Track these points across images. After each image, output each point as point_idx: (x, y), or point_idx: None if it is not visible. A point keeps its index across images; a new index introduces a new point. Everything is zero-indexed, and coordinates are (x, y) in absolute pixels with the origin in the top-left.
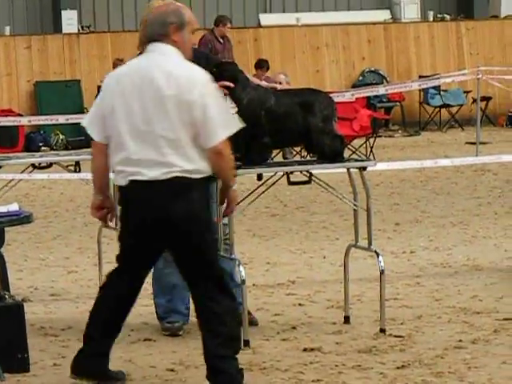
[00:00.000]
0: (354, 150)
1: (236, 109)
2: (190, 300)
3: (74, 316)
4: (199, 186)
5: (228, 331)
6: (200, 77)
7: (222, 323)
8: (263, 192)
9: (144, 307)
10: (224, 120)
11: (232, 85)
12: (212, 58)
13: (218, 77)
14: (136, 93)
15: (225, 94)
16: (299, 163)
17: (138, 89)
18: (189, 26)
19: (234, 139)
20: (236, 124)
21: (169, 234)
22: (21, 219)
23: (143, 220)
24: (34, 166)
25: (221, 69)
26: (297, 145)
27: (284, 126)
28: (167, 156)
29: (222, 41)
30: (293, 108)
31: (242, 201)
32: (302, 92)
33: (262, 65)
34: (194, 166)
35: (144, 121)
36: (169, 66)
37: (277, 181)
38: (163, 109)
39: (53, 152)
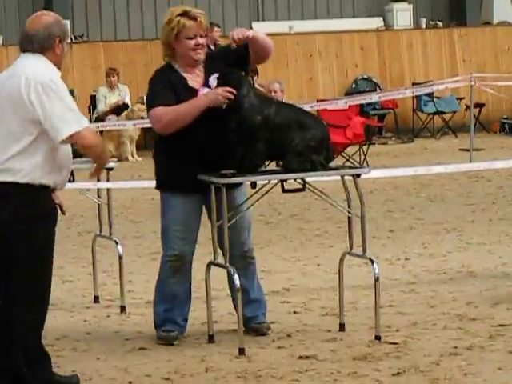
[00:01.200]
0: (347, 157)
1: (237, 114)
2: (189, 312)
3: (69, 325)
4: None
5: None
6: (42, 76)
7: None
8: (257, 200)
9: (139, 316)
10: (68, 117)
11: (235, 91)
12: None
13: (223, 82)
14: None
15: (229, 99)
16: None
17: None
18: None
19: (231, 145)
20: (82, 122)
21: None
22: None
23: None
24: None
25: (226, 75)
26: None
27: (277, 137)
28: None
29: (213, 48)
30: (289, 121)
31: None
32: (305, 113)
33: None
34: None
35: None
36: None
37: (271, 189)
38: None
39: None
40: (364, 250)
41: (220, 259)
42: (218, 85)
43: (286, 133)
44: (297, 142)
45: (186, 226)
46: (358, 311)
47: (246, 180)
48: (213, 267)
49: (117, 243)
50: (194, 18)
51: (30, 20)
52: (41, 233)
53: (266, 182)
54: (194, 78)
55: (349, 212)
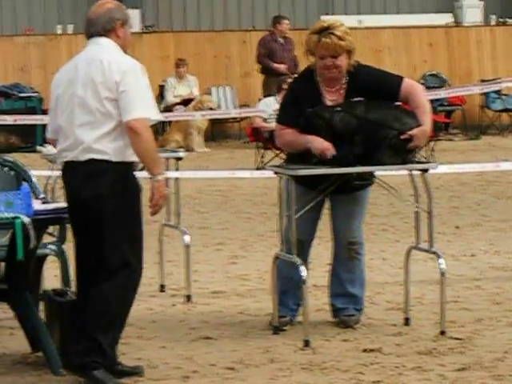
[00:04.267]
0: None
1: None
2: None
3: (135, 314)
4: (114, 169)
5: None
6: (127, 62)
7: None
8: (325, 191)
9: (204, 305)
10: (144, 103)
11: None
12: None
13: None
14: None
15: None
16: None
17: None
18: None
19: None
20: (156, 112)
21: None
22: None
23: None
24: None
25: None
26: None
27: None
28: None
29: (281, 41)
30: (384, 116)
31: None
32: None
33: None
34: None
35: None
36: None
37: (341, 181)
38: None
39: None
40: (430, 245)
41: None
42: (305, 123)
43: (381, 128)
44: (392, 136)
45: (306, 213)
46: (424, 306)
47: (314, 172)
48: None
49: (184, 233)
50: (328, 37)
51: (93, 7)
52: (135, 207)
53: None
54: (332, 94)
55: (416, 207)
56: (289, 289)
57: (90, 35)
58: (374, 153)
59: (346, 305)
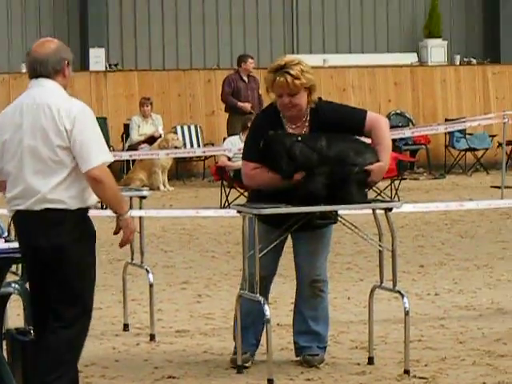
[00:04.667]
0: (378, 191)
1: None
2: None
3: (98, 352)
4: (71, 217)
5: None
6: (76, 107)
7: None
8: (288, 232)
9: (169, 344)
10: (99, 148)
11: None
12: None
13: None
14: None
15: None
16: (325, 203)
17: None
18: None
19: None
20: (110, 154)
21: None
22: None
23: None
24: None
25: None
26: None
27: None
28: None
29: (246, 80)
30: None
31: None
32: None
33: None
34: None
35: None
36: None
37: (304, 221)
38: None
39: None
40: (394, 284)
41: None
42: (264, 148)
43: (344, 165)
44: (357, 171)
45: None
46: (388, 345)
47: (278, 211)
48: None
49: (148, 271)
50: (283, 76)
51: (37, 46)
52: (92, 251)
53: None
54: (295, 130)
55: (380, 246)
56: (248, 324)
57: (35, 76)
58: (341, 189)
59: (309, 343)
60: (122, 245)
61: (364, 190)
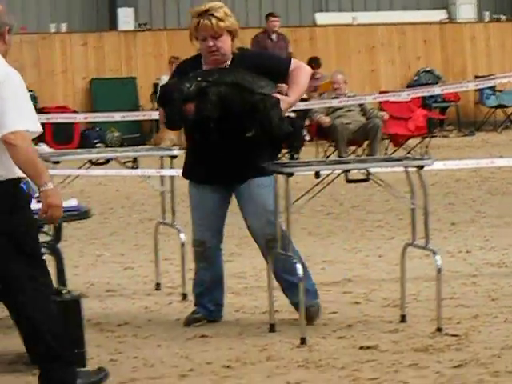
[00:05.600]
0: (409, 149)
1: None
2: (222, 298)
3: (130, 312)
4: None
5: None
6: (2, 73)
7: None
8: (320, 191)
9: None
10: (21, 114)
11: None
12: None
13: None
14: None
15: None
16: (357, 161)
17: None
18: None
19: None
20: (36, 125)
21: None
22: (80, 214)
23: None
24: (91, 162)
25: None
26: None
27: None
28: None
29: (275, 38)
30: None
31: (298, 199)
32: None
33: (313, 63)
34: None
35: None
36: None
37: (334, 179)
38: None
39: (109, 149)
40: (426, 242)
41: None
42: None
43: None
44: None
45: (204, 214)
46: (420, 303)
47: (311, 170)
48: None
49: (179, 231)
50: (208, 19)
51: None
52: (27, 224)
53: (330, 172)
54: None
55: (412, 203)
56: (203, 291)
57: None
58: (262, 120)
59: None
60: (49, 222)
61: (284, 117)
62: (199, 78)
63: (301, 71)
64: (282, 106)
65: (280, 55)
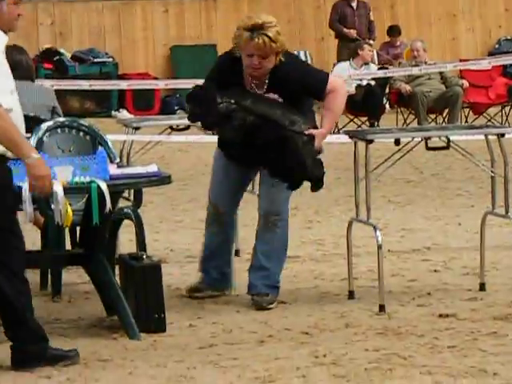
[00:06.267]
0: (489, 118)
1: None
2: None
3: None
4: None
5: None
6: None
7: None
8: (399, 158)
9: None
10: None
11: None
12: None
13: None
14: None
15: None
16: (437, 129)
17: None
18: None
19: None
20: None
21: None
22: (160, 180)
23: None
24: (171, 128)
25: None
26: None
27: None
28: None
29: (355, 6)
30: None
31: (377, 167)
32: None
33: (393, 31)
34: None
35: None
36: None
37: (414, 146)
38: None
39: None
40: (507, 211)
41: (361, 215)
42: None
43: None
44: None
45: (225, 178)
46: (499, 271)
47: (391, 137)
48: (354, 223)
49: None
50: (261, 38)
51: None
52: (4, 201)
53: (410, 139)
54: (255, 85)
55: (492, 172)
56: (208, 257)
57: None
58: (291, 160)
59: (256, 280)
60: (42, 194)
61: (319, 159)
62: (232, 101)
63: (337, 95)
64: (317, 141)
65: (317, 70)
